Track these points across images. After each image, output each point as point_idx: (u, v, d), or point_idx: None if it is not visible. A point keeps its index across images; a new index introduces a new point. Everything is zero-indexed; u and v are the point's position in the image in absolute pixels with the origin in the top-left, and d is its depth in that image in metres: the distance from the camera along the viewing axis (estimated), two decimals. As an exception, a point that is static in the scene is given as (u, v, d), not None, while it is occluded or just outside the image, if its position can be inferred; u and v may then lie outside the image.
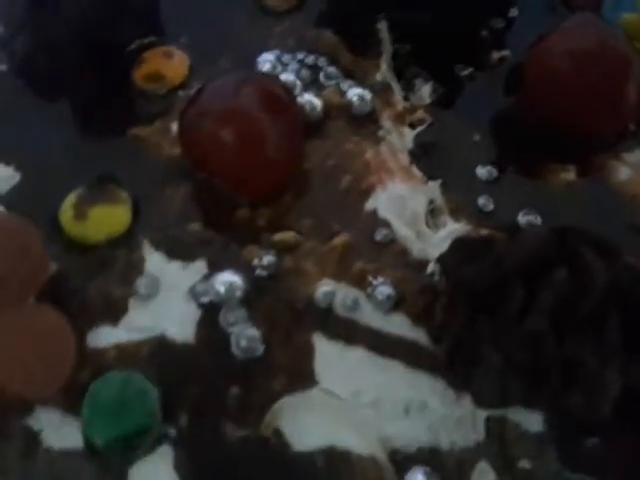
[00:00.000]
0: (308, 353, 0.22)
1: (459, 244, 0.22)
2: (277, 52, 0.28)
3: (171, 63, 0.28)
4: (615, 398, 0.20)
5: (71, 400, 0.21)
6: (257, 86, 0.24)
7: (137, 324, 0.22)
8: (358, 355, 0.22)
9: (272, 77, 0.25)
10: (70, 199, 0.24)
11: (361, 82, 0.27)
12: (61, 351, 0.21)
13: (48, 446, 0.21)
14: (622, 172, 0.27)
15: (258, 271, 0.23)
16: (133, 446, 0.20)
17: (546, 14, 0.30)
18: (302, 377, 0.21)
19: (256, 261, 0.23)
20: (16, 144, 0.26)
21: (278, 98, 0.24)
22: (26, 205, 0.24)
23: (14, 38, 0.27)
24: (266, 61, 0.27)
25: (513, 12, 0.30)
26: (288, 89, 0.25)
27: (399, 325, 0.22)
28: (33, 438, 0.21)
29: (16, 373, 0.21)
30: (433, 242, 0.24)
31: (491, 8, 0.30)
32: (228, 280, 0.22)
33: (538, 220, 0.25)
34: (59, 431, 0.21)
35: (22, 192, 0.25)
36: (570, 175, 0.26)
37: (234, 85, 0.24)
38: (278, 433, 0.21)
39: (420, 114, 0.27)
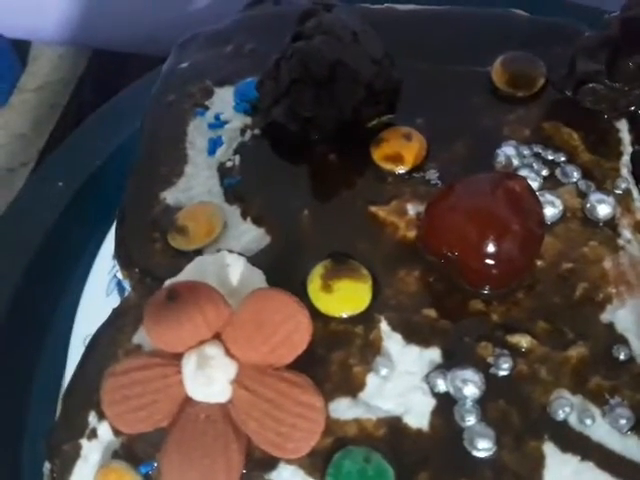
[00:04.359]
0: (538, 462, 0.22)
1: None
2: (515, 144, 0.29)
3: (410, 145, 0.29)
4: None
5: (313, 464, 0.23)
6: (507, 189, 0.25)
7: (375, 403, 0.24)
8: (589, 471, 0.22)
9: (521, 179, 0.26)
10: (318, 270, 0.26)
11: (600, 184, 0.28)
12: (311, 418, 0.23)
13: (287, 504, 0.23)
14: None
15: (492, 370, 0.24)
16: (369, 520, 0.22)
17: None
18: (531, 485, 0.22)
19: (491, 359, 0.24)
20: (266, 207, 0.29)
21: (524, 201, 0.25)
22: (274, 269, 0.27)
23: (271, 107, 0.30)
24: (505, 154, 0.28)
25: None
26: (534, 192, 0.26)
27: (634, 449, 0.22)
28: (276, 493, 0.23)
29: (267, 433, 0.23)
30: (673, 368, 0.24)
31: None
32: (465, 378, 0.23)
33: None
34: (299, 492, 0.23)
35: (271, 255, 0.27)
36: None
37: (485, 186, 0.25)
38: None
39: (660, 225, 0.27)
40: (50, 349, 0.40)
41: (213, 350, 0.23)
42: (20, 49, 0.65)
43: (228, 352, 0.23)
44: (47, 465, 0.26)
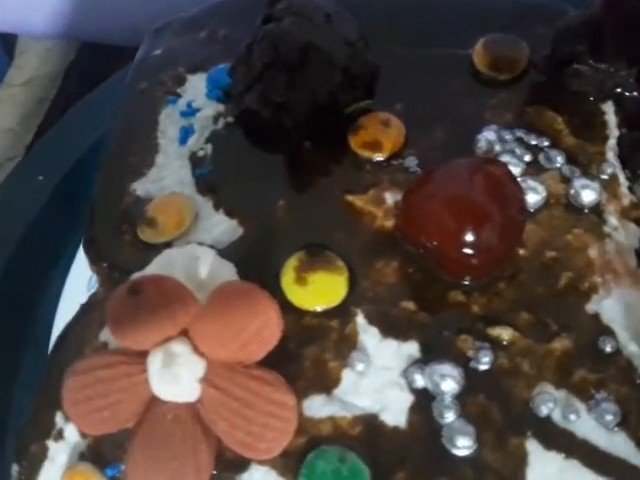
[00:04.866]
0: (521, 460, 0.21)
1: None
2: (497, 129, 0.28)
3: (389, 131, 0.28)
4: None
5: (286, 465, 0.22)
6: (486, 174, 0.24)
7: (350, 400, 0.23)
8: (574, 469, 0.21)
9: (501, 164, 0.25)
10: (292, 262, 0.25)
11: (585, 169, 0.26)
12: (283, 417, 0.22)
13: (259, 506, 0.22)
14: None
15: (472, 364, 0.23)
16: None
17: None
18: (513, 483, 0.21)
19: (470, 353, 0.23)
20: (239, 197, 0.28)
21: (505, 188, 0.24)
22: (247, 261, 0.25)
23: (244, 94, 0.29)
24: (487, 139, 0.27)
25: None
26: (515, 178, 0.25)
27: (620, 446, 0.21)
28: (245, 495, 0.22)
29: (238, 433, 0.22)
30: (661, 360, 0.23)
31: None
32: (444, 372, 0.22)
33: None
34: (272, 493, 0.22)
35: (243, 247, 0.26)
36: None
37: (464, 172, 0.24)
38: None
39: (647, 211, 0.26)
40: (32, 345, 0.39)
41: (179, 347, 0.22)
42: (7, 43, 0.64)
43: (196, 349, 0.22)
44: (15, 467, 0.25)
